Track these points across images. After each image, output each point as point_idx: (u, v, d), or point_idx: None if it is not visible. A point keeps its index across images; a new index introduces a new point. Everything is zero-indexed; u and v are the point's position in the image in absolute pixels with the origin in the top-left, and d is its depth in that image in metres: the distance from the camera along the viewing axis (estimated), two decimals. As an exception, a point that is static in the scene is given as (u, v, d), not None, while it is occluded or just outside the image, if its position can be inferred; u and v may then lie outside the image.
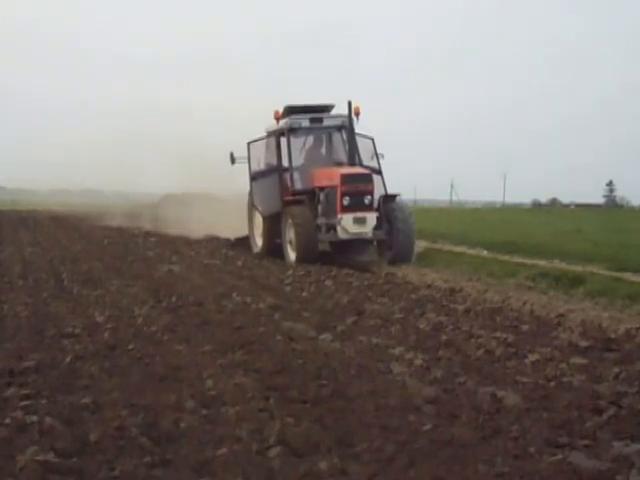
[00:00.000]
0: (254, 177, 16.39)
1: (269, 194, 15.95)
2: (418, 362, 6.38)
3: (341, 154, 16.20)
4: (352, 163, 15.40)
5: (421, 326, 8.07)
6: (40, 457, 3.98)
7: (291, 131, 15.83)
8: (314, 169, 15.68)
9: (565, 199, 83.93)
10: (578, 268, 12.72)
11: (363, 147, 15.88)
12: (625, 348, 7.09)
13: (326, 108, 16.54)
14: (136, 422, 4.64)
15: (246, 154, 16.45)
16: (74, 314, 8.59)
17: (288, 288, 11.19)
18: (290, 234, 14.91)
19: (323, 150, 16.70)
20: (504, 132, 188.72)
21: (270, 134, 16.46)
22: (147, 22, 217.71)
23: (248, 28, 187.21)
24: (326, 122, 16.30)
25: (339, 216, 14.59)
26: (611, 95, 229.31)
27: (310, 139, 16.56)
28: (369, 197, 14.77)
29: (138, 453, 4.19)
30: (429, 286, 11.63)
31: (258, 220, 16.62)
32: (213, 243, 19.04)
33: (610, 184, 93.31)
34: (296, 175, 15.81)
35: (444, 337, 7.47)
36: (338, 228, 14.66)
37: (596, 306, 9.76)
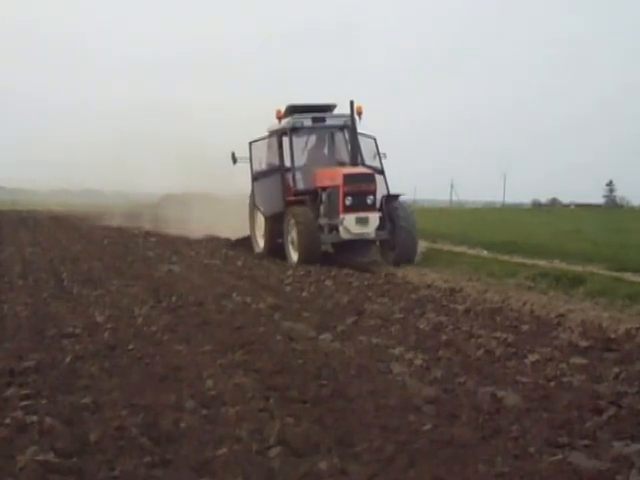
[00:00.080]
0: (256, 177, 16.34)
1: (271, 194, 15.89)
2: (418, 362, 6.38)
3: (343, 154, 16.15)
4: (354, 163, 15.33)
5: (421, 326, 8.07)
6: (40, 457, 3.98)
7: (293, 131, 15.75)
8: (316, 169, 15.62)
9: (565, 199, 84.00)
10: (578, 268, 12.72)
11: (365, 147, 15.82)
12: (625, 348, 7.09)
13: (328, 107, 16.46)
14: (136, 422, 4.64)
15: (247, 154, 16.42)
16: (74, 314, 8.59)
17: (288, 288, 11.19)
18: (292, 234, 14.84)
19: (325, 150, 16.62)
20: (504, 132, 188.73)
21: (272, 134, 16.37)
22: (147, 22, 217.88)
23: (248, 28, 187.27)
24: (328, 122, 16.22)
25: (341, 216, 14.54)
26: (611, 95, 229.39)
27: (312, 139, 16.48)
28: (372, 197, 14.70)
29: (138, 453, 4.19)
30: (429, 286, 11.63)
31: (260, 220, 16.54)
32: (213, 243, 19.04)
33: (610, 184, 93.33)
34: (298, 175, 15.74)
35: (444, 337, 7.47)
36: (340, 228, 14.61)
37: (596, 306, 9.76)
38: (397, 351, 6.82)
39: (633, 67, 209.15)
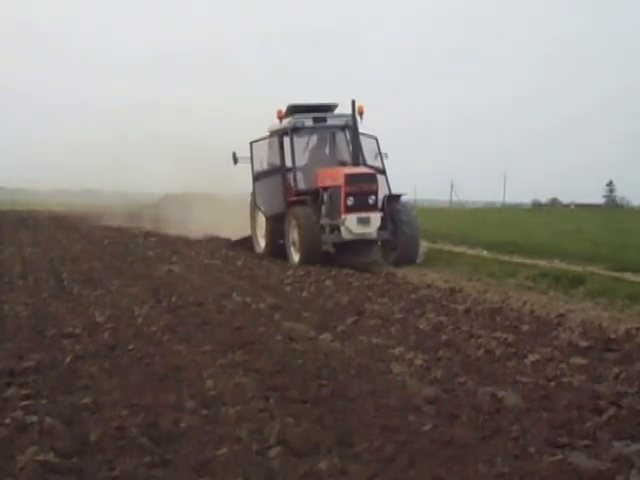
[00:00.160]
0: (257, 177, 16.29)
1: (272, 194, 15.83)
2: (418, 362, 6.38)
3: (345, 154, 16.10)
4: (356, 163, 15.29)
5: (421, 326, 8.07)
6: (40, 457, 3.98)
7: (294, 130, 15.70)
8: (318, 169, 15.58)
9: (565, 199, 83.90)
10: (578, 268, 12.72)
11: (367, 146, 15.79)
12: (625, 348, 7.09)
13: (329, 107, 16.40)
14: (136, 422, 4.65)
15: (248, 154, 16.39)
16: (74, 314, 8.59)
17: (288, 288, 11.19)
18: (293, 235, 14.80)
19: (327, 150, 16.57)
20: (504, 132, 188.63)
21: (273, 134, 16.32)
22: (147, 22, 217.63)
23: (248, 28, 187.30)
24: (330, 121, 16.16)
25: (343, 216, 14.49)
26: (611, 95, 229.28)
27: (314, 139, 16.43)
28: (373, 197, 14.65)
29: (138, 453, 4.19)
30: (429, 286, 11.63)
31: (261, 221, 16.49)
32: (213, 243, 19.03)
33: (610, 184, 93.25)
34: (299, 175, 15.70)
35: (444, 337, 7.47)
36: (342, 229, 14.56)
37: (596, 306, 9.76)
38: (397, 351, 6.82)
39: (633, 67, 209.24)
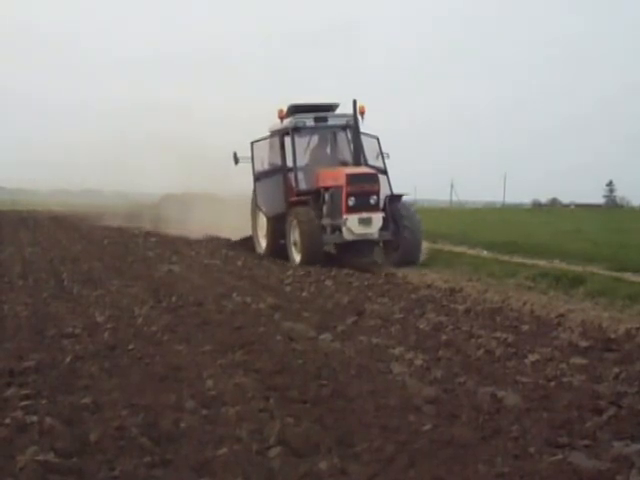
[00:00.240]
0: (258, 177, 16.24)
1: (273, 194, 15.79)
2: (418, 362, 6.38)
3: (346, 154, 16.04)
4: (357, 163, 15.26)
5: (421, 326, 8.07)
6: (40, 457, 3.98)
7: (295, 130, 15.66)
8: (319, 169, 15.53)
9: (565, 199, 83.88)
10: (578, 268, 12.72)
11: (368, 146, 15.75)
12: (625, 348, 7.09)
13: (331, 107, 16.36)
14: (136, 422, 4.65)
15: (248, 154, 16.37)
16: (74, 314, 8.59)
17: (288, 288, 11.19)
18: (295, 235, 14.75)
19: (328, 150, 16.52)
20: (504, 132, 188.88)
21: (274, 133, 16.29)
22: (147, 22, 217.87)
23: (248, 28, 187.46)
24: (331, 121, 16.10)
25: (344, 217, 14.45)
26: (611, 95, 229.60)
27: (315, 138, 16.38)
28: (375, 197, 14.62)
29: (138, 453, 4.19)
30: (429, 286, 11.63)
31: (262, 221, 16.43)
32: (213, 243, 19.02)
33: (610, 184, 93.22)
34: (300, 175, 15.65)
35: (444, 337, 7.47)
36: (343, 229, 14.52)
37: (596, 306, 9.77)
38: (397, 351, 6.82)
39: (633, 67, 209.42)
